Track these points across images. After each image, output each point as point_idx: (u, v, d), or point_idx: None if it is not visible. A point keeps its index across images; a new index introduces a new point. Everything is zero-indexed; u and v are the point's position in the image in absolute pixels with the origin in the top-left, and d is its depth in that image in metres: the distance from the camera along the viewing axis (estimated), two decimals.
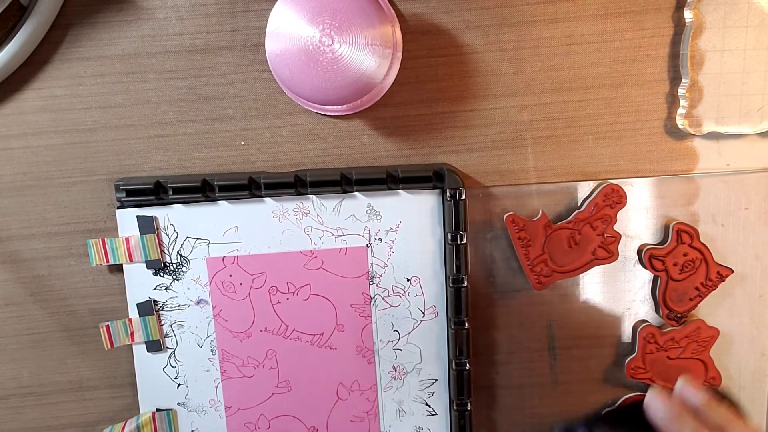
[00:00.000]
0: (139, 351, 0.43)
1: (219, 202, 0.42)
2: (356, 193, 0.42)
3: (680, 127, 0.42)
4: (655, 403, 0.37)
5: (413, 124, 0.42)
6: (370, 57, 0.35)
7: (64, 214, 0.42)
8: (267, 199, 0.42)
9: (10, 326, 0.43)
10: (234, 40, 0.40)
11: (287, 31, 0.35)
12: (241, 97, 0.41)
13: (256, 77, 0.41)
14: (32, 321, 0.43)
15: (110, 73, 0.41)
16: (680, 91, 0.41)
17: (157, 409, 0.43)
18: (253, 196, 0.41)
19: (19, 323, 0.43)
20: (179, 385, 0.43)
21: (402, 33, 0.40)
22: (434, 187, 0.42)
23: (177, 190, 0.41)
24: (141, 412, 0.43)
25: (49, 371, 0.44)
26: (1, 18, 0.38)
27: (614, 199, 0.41)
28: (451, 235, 0.41)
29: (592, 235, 0.42)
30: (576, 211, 0.42)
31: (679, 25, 0.41)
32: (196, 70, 0.41)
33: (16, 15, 0.38)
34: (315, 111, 0.41)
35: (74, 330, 0.43)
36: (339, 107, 0.40)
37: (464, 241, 0.41)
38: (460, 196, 0.41)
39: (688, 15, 0.40)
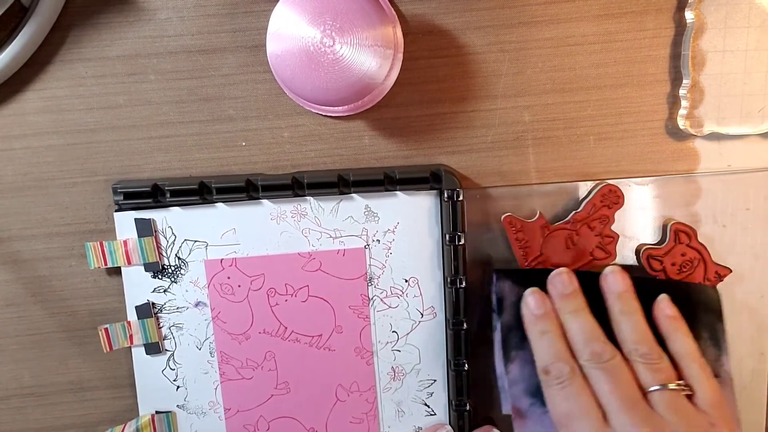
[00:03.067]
0: (138, 353, 0.43)
1: (216, 204, 0.42)
2: (354, 195, 0.42)
3: (681, 127, 0.42)
4: (530, 298, 0.39)
5: (414, 124, 0.42)
6: (371, 58, 0.35)
7: (65, 214, 0.42)
8: (264, 201, 0.42)
9: (10, 327, 0.43)
10: (235, 41, 0.40)
11: (288, 32, 0.35)
12: (242, 98, 0.41)
13: (258, 78, 0.41)
14: (33, 322, 0.43)
15: (111, 74, 0.41)
16: (681, 91, 0.41)
17: (157, 412, 0.43)
18: (251, 198, 0.41)
19: (20, 324, 0.43)
20: (178, 387, 0.43)
21: (403, 34, 0.40)
22: (432, 188, 0.42)
23: (174, 193, 0.41)
24: (140, 414, 0.43)
25: (50, 372, 0.44)
26: (2, 19, 0.38)
27: (612, 199, 0.41)
28: (449, 236, 0.41)
29: (589, 235, 0.42)
30: (574, 212, 0.42)
31: (681, 25, 0.41)
32: (197, 71, 0.41)
33: (18, 16, 0.38)
34: (316, 112, 0.41)
35: (75, 331, 0.43)
36: (340, 108, 0.40)
37: (462, 242, 0.41)
38: (458, 197, 0.41)
39: (689, 16, 0.40)
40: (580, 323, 0.37)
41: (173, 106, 0.41)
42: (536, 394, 0.38)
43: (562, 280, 0.39)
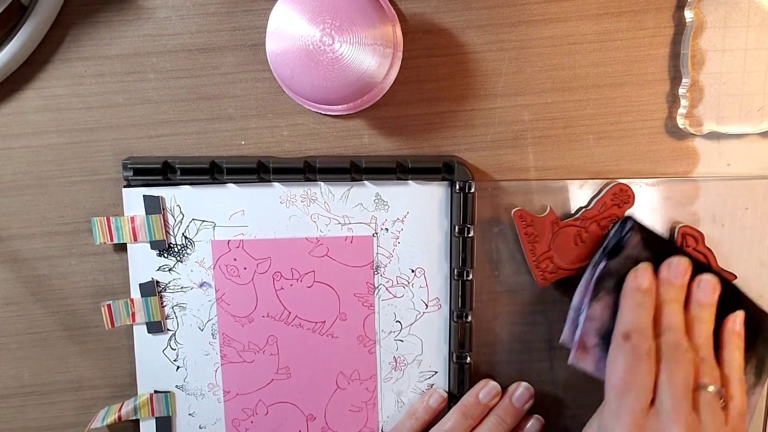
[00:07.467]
0: (140, 332, 0.43)
1: (227, 184, 0.41)
2: (365, 182, 0.42)
3: (681, 126, 0.42)
4: (641, 271, 0.40)
5: (414, 123, 0.42)
6: (371, 57, 0.35)
7: (64, 213, 0.42)
8: (275, 184, 0.42)
9: (10, 325, 0.43)
10: (234, 40, 0.40)
11: (288, 30, 0.35)
12: (241, 97, 0.41)
13: (257, 77, 0.41)
14: (33, 320, 0.43)
15: (111, 73, 0.41)
16: (681, 90, 0.41)
17: (155, 391, 0.43)
18: (261, 180, 0.41)
19: (20, 323, 0.43)
20: (178, 367, 0.43)
21: (402, 32, 0.40)
22: (443, 179, 0.42)
23: (185, 171, 0.41)
24: (139, 393, 0.43)
25: (50, 371, 0.44)
26: (1, 18, 0.38)
27: (622, 198, 0.41)
28: (458, 228, 0.41)
29: (599, 233, 0.42)
30: (584, 209, 0.42)
31: (680, 24, 0.41)
32: (196, 69, 0.41)
33: (17, 15, 0.38)
34: (315, 111, 0.41)
35: (75, 329, 0.43)
36: (339, 107, 0.40)
37: (471, 234, 0.41)
38: (470, 189, 0.41)
39: (688, 14, 0.40)
40: (673, 312, 0.39)
41: (172, 104, 0.41)
42: (604, 337, 0.40)
43: (678, 271, 0.40)
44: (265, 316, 0.43)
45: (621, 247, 0.41)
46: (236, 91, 0.41)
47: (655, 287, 0.40)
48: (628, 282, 0.40)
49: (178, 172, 0.41)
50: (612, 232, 0.42)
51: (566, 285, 0.43)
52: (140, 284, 0.42)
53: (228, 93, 0.41)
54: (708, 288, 0.40)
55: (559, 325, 0.44)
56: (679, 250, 0.42)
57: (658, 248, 0.41)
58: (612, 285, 0.41)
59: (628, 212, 0.42)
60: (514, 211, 0.42)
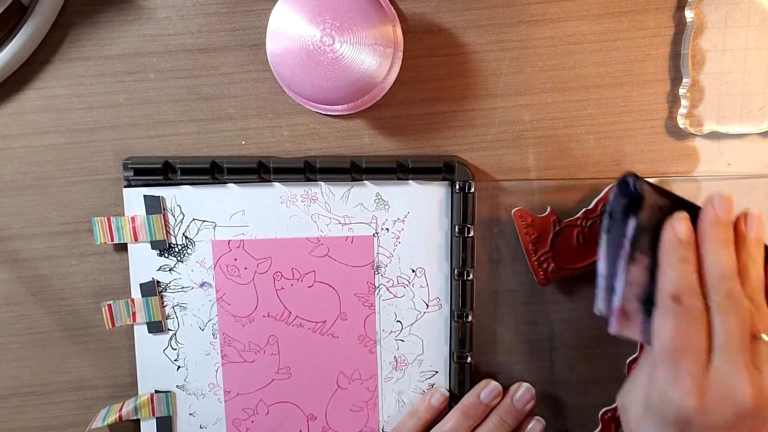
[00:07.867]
0: (140, 332, 0.43)
1: (227, 184, 0.42)
2: (365, 182, 0.42)
3: (681, 126, 0.42)
4: (679, 222, 0.36)
5: (414, 123, 0.42)
6: (371, 57, 0.35)
7: (65, 213, 0.42)
8: (276, 184, 0.42)
9: (10, 326, 0.43)
10: (235, 40, 0.40)
11: (288, 30, 0.35)
12: (242, 97, 0.41)
13: (257, 77, 0.41)
14: (33, 321, 0.43)
15: (111, 73, 0.41)
16: (681, 90, 0.41)
17: (156, 391, 0.43)
18: (262, 180, 0.41)
19: (20, 323, 0.43)
20: (179, 367, 0.43)
21: (403, 32, 0.40)
22: (444, 179, 0.42)
23: (185, 171, 0.41)
24: (139, 393, 0.43)
25: (50, 371, 0.44)
26: (1, 18, 0.38)
27: None
28: (459, 228, 0.41)
29: (599, 233, 0.42)
30: (585, 209, 0.42)
31: (680, 24, 0.41)
32: (197, 69, 0.41)
33: (17, 15, 0.38)
34: (316, 111, 0.41)
35: (75, 330, 0.43)
36: (340, 107, 0.40)
37: (471, 234, 0.41)
38: (470, 188, 0.41)
39: (689, 14, 0.40)
40: (725, 257, 0.35)
41: (173, 104, 0.41)
42: (645, 301, 0.37)
43: (723, 206, 0.36)
44: (266, 315, 0.43)
45: (640, 198, 0.37)
46: (236, 91, 0.41)
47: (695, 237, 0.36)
48: (666, 236, 0.36)
49: (179, 172, 0.41)
50: (614, 193, 0.38)
51: (567, 285, 0.43)
52: (141, 284, 0.42)
53: (228, 93, 0.41)
54: (757, 223, 0.36)
55: (559, 325, 0.44)
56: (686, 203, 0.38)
57: (670, 197, 0.38)
58: (647, 243, 0.37)
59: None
60: (514, 210, 0.42)
